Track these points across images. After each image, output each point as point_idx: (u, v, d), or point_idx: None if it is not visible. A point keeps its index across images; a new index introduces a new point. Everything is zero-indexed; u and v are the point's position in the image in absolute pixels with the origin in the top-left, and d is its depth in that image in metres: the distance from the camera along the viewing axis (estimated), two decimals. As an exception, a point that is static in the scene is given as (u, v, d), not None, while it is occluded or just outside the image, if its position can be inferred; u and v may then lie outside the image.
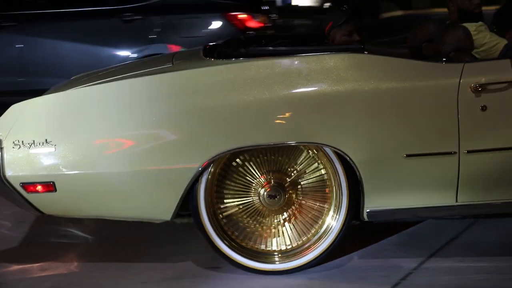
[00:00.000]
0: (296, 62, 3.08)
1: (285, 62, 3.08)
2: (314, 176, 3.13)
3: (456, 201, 3.04)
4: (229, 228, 3.12)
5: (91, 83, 3.21)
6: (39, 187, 2.87)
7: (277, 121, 2.95)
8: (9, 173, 2.83)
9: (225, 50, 3.43)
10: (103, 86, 3.18)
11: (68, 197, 2.97)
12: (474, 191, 3.07)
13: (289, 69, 3.02)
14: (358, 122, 2.93)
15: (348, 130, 2.94)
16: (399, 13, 11.98)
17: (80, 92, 3.15)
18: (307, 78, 2.96)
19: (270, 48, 3.59)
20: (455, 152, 2.93)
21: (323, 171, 3.09)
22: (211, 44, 3.84)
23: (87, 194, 2.97)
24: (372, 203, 3.00)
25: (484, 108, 2.90)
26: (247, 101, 2.91)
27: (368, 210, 3.01)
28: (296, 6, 13.15)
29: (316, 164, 3.10)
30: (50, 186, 2.86)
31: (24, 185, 2.86)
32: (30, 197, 2.90)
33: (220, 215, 3.10)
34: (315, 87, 2.96)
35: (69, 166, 2.87)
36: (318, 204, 3.15)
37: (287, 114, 2.95)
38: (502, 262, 3.21)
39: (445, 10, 4.37)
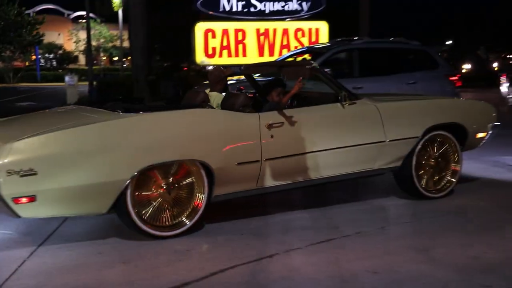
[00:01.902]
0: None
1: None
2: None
3: (256, 185, 5.23)
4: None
5: (59, 128, 4.53)
6: (24, 199, 4.17)
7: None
8: (4, 190, 4.09)
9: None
10: (84, 129, 4.57)
11: (44, 204, 4.32)
12: (266, 180, 5.25)
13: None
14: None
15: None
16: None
17: (65, 135, 4.49)
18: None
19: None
20: (258, 160, 5.11)
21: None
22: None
23: (56, 201, 4.39)
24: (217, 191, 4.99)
25: (272, 136, 5.15)
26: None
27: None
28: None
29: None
30: (32, 198, 4.19)
31: (15, 198, 4.14)
32: (16, 206, 4.18)
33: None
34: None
35: (46, 184, 4.24)
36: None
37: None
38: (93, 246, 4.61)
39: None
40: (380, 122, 5.67)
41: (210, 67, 19.16)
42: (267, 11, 16.69)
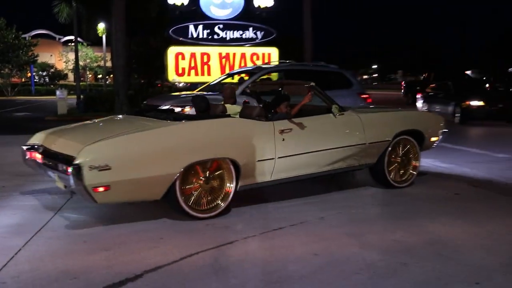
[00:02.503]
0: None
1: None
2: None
3: (270, 178, 5.48)
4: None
5: (127, 133, 4.89)
6: (101, 189, 4.37)
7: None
8: (87, 181, 4.29)
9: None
10: (144, 134, 4.90)
11: (116, 192, 4.51)
12: (277, 174, 5.51)
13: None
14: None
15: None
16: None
17: (131, 139, 4.80)
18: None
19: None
20: (271, 158, 5.38)
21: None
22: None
23: (124, 190, 4.60)
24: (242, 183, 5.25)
25: (284, 140, 5.45)
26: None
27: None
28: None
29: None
30: (107, 187, 4.39)
31: (94, 187, 4.33)
32: (95, 194, 4.37)
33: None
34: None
35: (121, 175, 4.48)
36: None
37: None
38: (79, 236, 4.56)
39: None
40: (362, 129, 6.10)
41: (182, 84, 19.34)
42: (228, 38, 16.70)
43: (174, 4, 16.27)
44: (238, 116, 5.70)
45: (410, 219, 5.07)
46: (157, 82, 33.04)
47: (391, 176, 6.35)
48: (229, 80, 11.06)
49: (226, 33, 16.68)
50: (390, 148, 6.30)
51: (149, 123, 5.22)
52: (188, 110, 8.38)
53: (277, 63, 13.37)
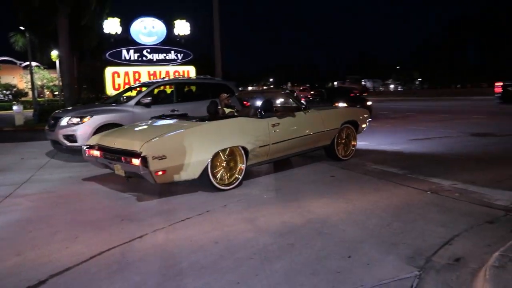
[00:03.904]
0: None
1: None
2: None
3: (267, 158, 5.65)
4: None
5: (178, 130, 4.96)
6: (160, 172, 4.43)
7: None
8: (151, 168, 4.35)
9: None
10: (185, 131, 4.94)
11: (169, 174, 4.53)
12: (271, 155, 5.68)
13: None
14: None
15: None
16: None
17: (178, 135, 4.85)
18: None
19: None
20: (267, 144, 5.54)
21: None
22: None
23: (176, 172, 4.60)
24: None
25: (274, 131, 5.65)
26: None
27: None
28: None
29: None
30: (164, 171, 4.45)
31: (155, 172, 4.39)
32: (156, 177, 4.42)
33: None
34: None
35: (173, 162, 4.55)
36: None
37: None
38: None
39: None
40: (322, 121, 6.52)
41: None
42: (154, 60, 15.61)
43: (109, 33, 15.30)
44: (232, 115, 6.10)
45: (296, 201, 4.55)
46: (103, 96, 30.96)
47: (340, 153, 6.91)
48: (128, 93, 9.94)
49: (153, 55, 15.61)
50: (337, 133, 6.78)
51: (183, 124, 5.32)
52: (86, 120, 7.49)
53: (194, 77, 12.61)
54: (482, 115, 14.89)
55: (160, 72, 15.47)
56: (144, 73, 15.29)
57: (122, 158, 4.72)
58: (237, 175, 5.25)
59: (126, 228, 3.81)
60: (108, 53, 15.15)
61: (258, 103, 6.69)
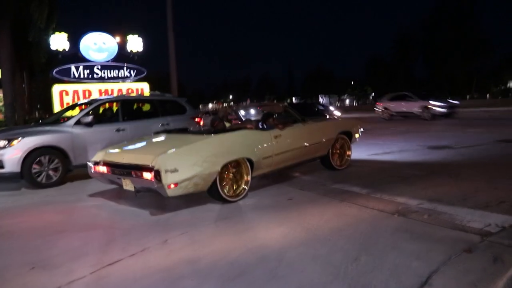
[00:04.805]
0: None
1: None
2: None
3: (270, 169, 5.60)
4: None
5: (188, 143, 4.91)
6: (172, 186, 4.34)
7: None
8: (164, 181, 4.29)
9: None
10: (195, 144, 4.88)
11: (181, 187, 4.43)
12: (275, 166, 5.68)
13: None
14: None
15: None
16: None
17: (189, 148, 4.78)
18: None
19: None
20: (271, 156, 5.53)
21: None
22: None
23: (186, 185, 4.48)
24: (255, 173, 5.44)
25: (278, 142, 5.67)
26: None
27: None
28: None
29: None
30: (176, 184, 4.36)
31: (168, 185, 4.31)
32: (168, 190, 4.34)
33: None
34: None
35: (185, 175, 4.44)
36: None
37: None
38: None
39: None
40: (319, 132, 6.61)
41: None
42: (106, 77, 14.53)
43: (57, 49, 14.16)
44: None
45: (249, 231, 3.87)
46: (46, 116, 29.28)
47: (335, 162, 6.94)
48: (70, 112, 9.00)
49: (104, 72, 14.54)
50: (333, 143, 6.84)
51: (191, 137, 5.24)
52: (15, 143, 6.52)
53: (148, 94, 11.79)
54: (439, 127, 14.94)
55: (112, 90, 14.46)
56: (95, 91, 14.23)
57: (132, 172, 4.62)
58: (244, 186, 5.19)
59: (38, 277, 2.96)
60: (55, 70, 13.97)
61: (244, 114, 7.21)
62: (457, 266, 2.86)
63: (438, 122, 17.69)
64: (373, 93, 69.68)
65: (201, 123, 7.55)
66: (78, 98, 13.86)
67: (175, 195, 4.46)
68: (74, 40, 14.32)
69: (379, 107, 22.62)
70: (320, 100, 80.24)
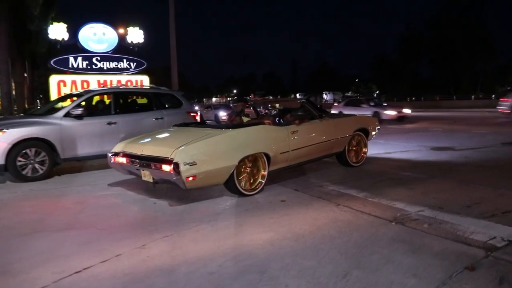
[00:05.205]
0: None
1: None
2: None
3: (286, 164, 5.59)
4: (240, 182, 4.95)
5: (206, 137, 4.84)
6: (190, 178, 4.34)
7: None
8: (183, 174, 4.28)
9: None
10: (213, 138, 4.85)
11: (199, 180, 4.43)
12: (291, 161, 5.67)
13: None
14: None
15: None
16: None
17: (208, 142, 4.75)
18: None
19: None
20: (287, 151, 5.52)
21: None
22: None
23: (204, 178, 4.49)
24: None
25: (294, 138, 5.66)
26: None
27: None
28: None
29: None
30: (194, 177, 4.36)
31: (187, 177, 4.31)
32: (187, 182, 4.34)
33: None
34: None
35: (203, 168, 4.43)
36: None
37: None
38: None
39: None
40: (335, 128, 6.52)
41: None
42: (105, 68, 14.26)
43: (55, 39, 13.91)
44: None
45: (235, 236, 3.57)
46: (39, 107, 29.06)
47: (351, 159, 6.93)
48: (61, 103, 8.67)
49: (103, 64, 14.26)
50: (349, 140, 6.82)
51: (209, 131, 5.17)
52: (0, 134, 6.24)
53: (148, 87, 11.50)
54: (437, 128, 14.58)
55: (111, 81, 14.17)
56: (94, 82, 13.94)
57: (151, 164, 4.64)
58: (260, 180, 5.19)
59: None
60: (53, 60, 13.73)
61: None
62: (458, 286, 2.56)
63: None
64: (377, 91, 69.00)
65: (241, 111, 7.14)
66: (76, 89, 13.60)
67: (193, 188, 4.50)
68: (74, 30, 14.06)
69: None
70: (324, 96, 79.60)
